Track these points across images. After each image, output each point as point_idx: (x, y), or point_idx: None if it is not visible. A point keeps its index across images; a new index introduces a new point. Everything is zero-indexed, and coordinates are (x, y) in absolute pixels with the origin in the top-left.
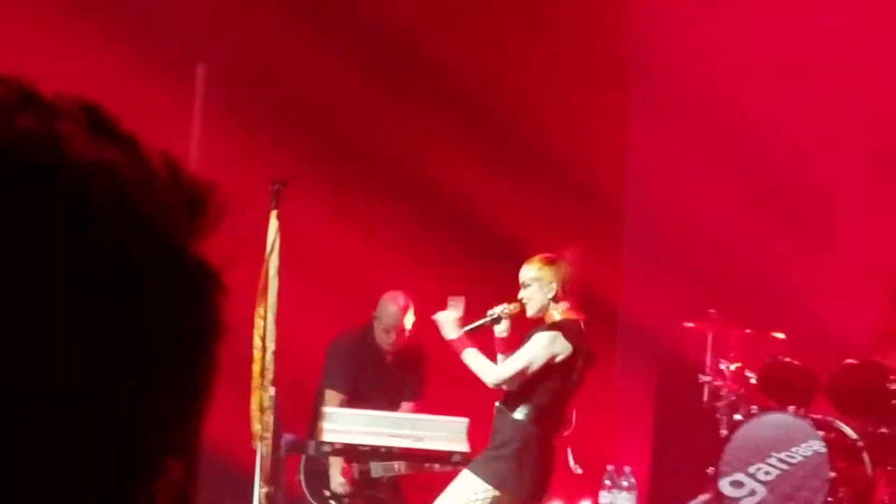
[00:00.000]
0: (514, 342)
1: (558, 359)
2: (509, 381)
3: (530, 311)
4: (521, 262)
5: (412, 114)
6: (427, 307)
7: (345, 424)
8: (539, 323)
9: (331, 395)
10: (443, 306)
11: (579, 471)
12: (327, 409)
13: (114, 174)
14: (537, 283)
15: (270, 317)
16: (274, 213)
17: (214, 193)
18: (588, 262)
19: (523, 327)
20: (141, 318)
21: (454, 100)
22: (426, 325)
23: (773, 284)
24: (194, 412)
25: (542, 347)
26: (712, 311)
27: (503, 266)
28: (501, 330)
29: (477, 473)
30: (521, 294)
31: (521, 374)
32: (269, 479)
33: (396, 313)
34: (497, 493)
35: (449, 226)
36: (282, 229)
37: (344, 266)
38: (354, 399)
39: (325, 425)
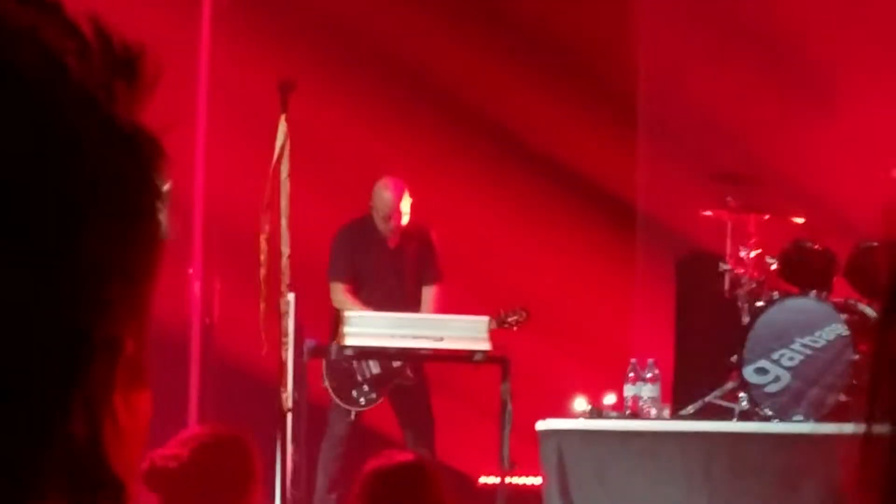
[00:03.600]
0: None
1: None
2: None
3: None
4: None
5: (415, 7)
6: (440, 201)
7: (366, 327)
8: None
9: (333, 286)
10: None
11: None
12: (348, 313)
13: (46, 42)
14: None
15: (284, 222)
16: (283, 117)
17: (147, 58)
18: (603, 154)
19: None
20: (85, 189)
21: None
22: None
23: (790, 169)
24: (145, 284)
25: None
26: (730, 198)
27: (508, 158)
28: None
29: None
30: None
31: None
32: (293, 385)
33: (391, 198)
34: None
35: (464, 123)
36: (291, 132)
37: (354, 168)
38: (361, 287)
39: (346, 329)
